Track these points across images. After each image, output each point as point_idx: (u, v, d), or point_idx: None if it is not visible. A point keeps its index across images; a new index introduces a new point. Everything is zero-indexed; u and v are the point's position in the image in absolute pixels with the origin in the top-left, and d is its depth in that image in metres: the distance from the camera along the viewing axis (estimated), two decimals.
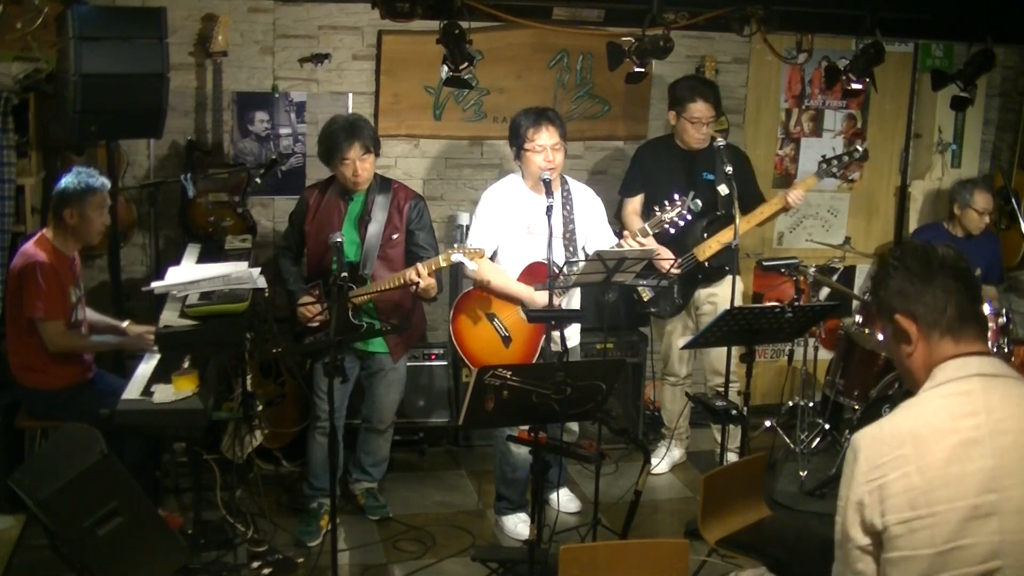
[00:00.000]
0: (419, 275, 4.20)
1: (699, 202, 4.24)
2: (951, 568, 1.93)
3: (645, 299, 5.03)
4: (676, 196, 4.23)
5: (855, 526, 2.00)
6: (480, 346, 4.40)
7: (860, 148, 4.84)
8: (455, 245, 4.15)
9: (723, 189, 4.81)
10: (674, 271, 4.72)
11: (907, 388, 2.17)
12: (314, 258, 4.58)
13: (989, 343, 4.89)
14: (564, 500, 4.78)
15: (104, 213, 4.25)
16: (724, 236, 4.78)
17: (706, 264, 4.88)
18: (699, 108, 4.81)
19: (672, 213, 4.21)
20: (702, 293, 5.06)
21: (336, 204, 4.52)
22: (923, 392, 2.06)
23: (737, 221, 4.50)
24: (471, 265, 4.17)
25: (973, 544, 1.93)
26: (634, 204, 5.03)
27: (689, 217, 4.28)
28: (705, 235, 4.84)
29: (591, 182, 5.07)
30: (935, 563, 1.93)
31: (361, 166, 4.39)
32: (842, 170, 4.82)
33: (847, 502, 2.02)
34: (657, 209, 4.25)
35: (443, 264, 4.21)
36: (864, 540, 2.00)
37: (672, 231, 4.43)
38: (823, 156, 4.87)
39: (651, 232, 4.26)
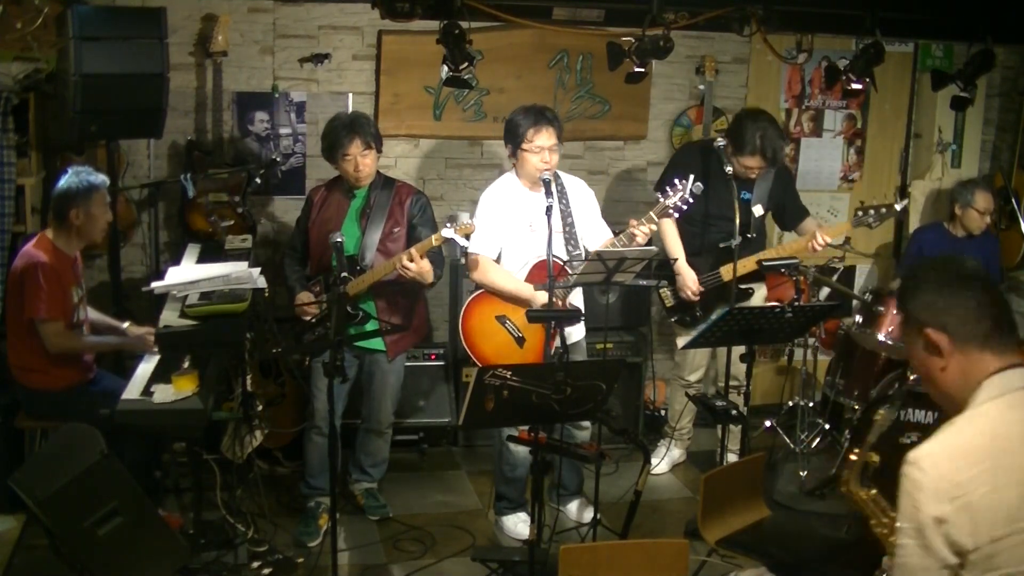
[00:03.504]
0: (411, 258, 4.19)
1: (700, 185, 4.14)
2: None
3: (668, 306, 5.02)
4: (677, 181, 4.18)
5: (939, 544, 1.89)
6: (494, 349, 4.36)
7: (899, 206, 4.80)
8: (447, 224, 4.12)
9: (758, 210, 4.84)
10: (693, 297, 4.84)
11: (939, 408, 2.10)
12: (316, 256, 4.59)
13: None
14: (580, 509, 4.74)
15: (107, 210, 4.27)
16: (749, 264, 4.74)
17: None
18: (754, 160, 4.73)
19: (675, 198, 4.14)
20: None
21: (339, 200, 4.55)
22: (980, 405, 1.98)
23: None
24: (463, 242, 4.11)
25: None
26: None
27: (691, 200, 4.19)
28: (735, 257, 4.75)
29: (591, 182, 5.06)
30: None
31: (362, 161, 4.41)
32: (878, 221, 4.80)
33: (920, 523, 1.90)
34: (660, 196, 4.21)
35: (435, 243, 4.18)
36: (953, 559, 1.89)
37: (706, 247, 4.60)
38: (861, 203, 4.83)
39: (656, 219, 4.22)
